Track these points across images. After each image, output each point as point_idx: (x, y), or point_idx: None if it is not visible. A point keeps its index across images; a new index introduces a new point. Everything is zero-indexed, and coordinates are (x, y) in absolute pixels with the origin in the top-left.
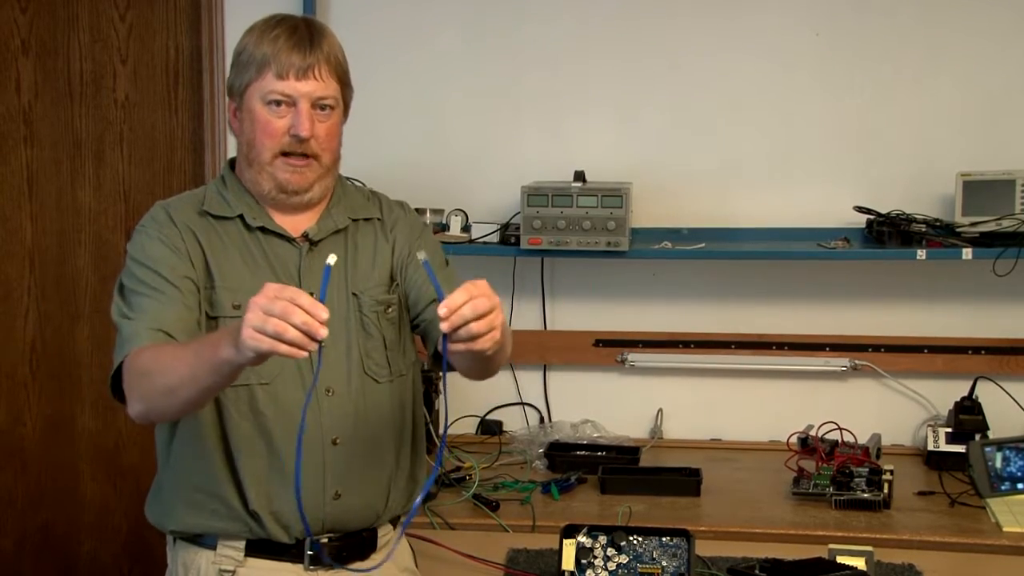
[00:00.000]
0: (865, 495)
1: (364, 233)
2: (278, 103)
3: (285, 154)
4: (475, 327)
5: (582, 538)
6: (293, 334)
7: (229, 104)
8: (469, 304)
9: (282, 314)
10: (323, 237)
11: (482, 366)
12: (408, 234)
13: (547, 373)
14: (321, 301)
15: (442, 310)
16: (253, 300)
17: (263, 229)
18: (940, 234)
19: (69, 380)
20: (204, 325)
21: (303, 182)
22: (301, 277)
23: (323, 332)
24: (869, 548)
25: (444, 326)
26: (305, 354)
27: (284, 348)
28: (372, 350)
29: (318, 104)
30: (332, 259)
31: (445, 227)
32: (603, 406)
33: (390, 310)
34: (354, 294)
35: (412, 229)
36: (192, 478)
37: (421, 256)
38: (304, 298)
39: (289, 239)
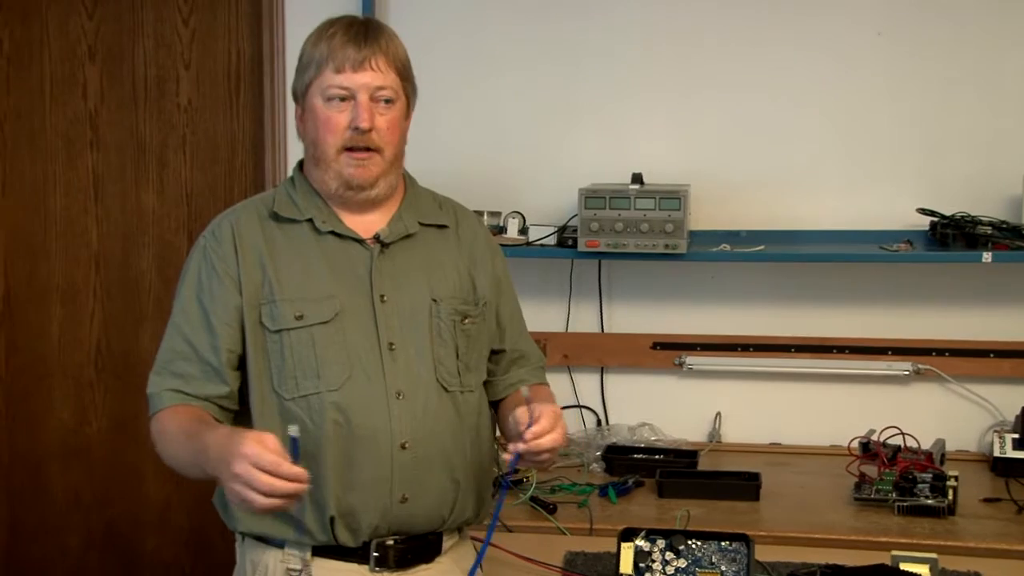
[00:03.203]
0: (929, 501)
1: (435, 240)
2: (338, 98)
3: (349, 149)
4: (545, 457)
5: (640, 542)
6: (272, 502)
7: (296, 110)
8: (550, 438)
9: (269, 490)
10: (394, 240)
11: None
12: (491, 256)
13: (604, 376)
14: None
15: (528, 434)
16: (233, 470)
17: (333, 233)
18: (1006, 236)
19: (133, 381)
20: (265, 339)
21: (367, 175)
22: (372, 279)
23: (303, 488)
24: (933, 555)
25: (521, 446)
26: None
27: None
28: (445, 357)
29: (377, 96)
30: (293, 431)
31: (503, 229)
32: (661, 409)
33: (467, 321)
34: (434, 300)
35: (494, 254)
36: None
37: (524, 392)
38: (284, 468)
39: (359, 241)
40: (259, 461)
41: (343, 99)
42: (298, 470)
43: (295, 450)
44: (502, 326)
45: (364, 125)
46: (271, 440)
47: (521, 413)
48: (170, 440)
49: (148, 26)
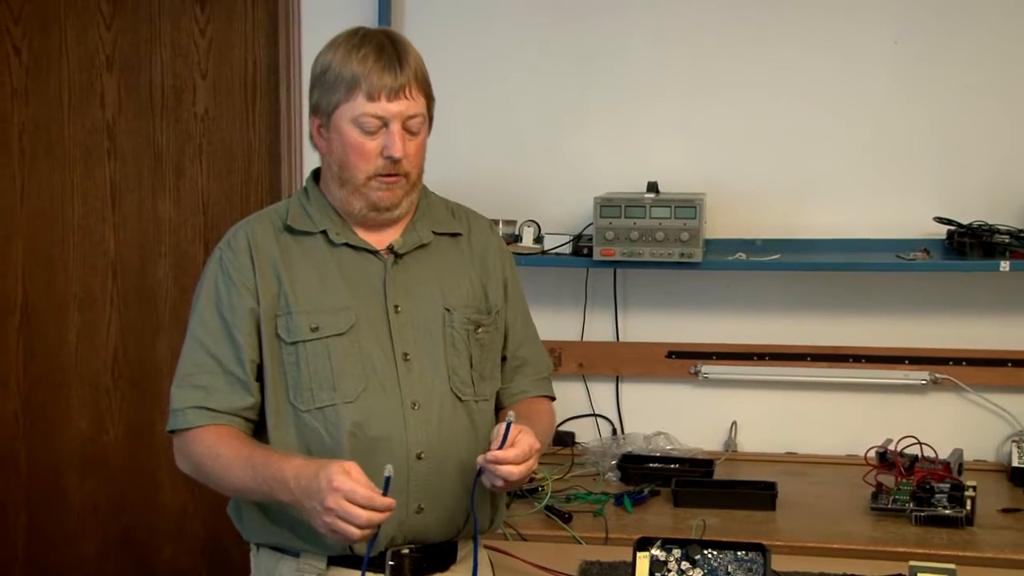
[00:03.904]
0: (947, 511)
1: (448, 248)
2: (370, 125)
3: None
4: (500, 484)
5: (656, 551)
6: (365, 533)
7: (312, 121)
8: (505, 469)
9: (367, 523)
10: (408, 250)
11: None
12: (501, 263)
13: (620, 385)
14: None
15: (490, 455)
16: (327, 504)
17: (347, 245)
18: None
19: (150, 389)
20: (280, 351)
21: (394, 198)
22: (386, 290)
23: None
24: (951, 566)
25: (480, 460)
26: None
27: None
28: (459, 367)
29: (408, 122)
30: (389, 470)
31: (518, 238)
32: (676, 418)
33: (480, 330)
34: (447, 309)
35: (504, 260)
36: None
37: (510, 417)
38: (378, 501)
39: (374, 252)
40: (353, 496)
41: (374, 125)
42: (389, 500)
43: (387, 487)
44: (504, 332)
45: (398, 154)
46: (356, 470)
47: (497, 429)
48: (224, 465)
49: (165, 36)
